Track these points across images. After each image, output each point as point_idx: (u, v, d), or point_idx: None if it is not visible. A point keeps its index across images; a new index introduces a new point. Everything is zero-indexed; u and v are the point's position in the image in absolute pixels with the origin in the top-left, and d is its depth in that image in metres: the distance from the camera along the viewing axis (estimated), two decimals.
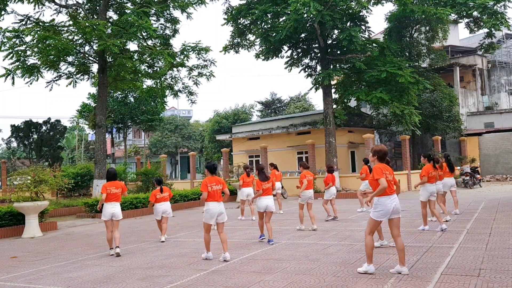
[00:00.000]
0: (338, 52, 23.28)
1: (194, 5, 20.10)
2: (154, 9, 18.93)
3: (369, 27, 23.47)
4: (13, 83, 18.48)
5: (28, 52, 18.06)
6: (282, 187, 22.29)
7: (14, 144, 33.57)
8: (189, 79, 21.89)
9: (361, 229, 9.94)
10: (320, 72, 23.38)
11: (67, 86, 20.88)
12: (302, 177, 10.36)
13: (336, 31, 22.80)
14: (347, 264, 6.54)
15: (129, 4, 20.38)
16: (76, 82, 20.81)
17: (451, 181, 11.59)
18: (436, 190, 9.94)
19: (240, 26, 24.10)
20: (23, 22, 18.31)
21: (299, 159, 28.73)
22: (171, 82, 22.24)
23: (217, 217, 7.31)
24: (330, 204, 12.32)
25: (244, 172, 13.49)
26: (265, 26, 22.62)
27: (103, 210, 8.46)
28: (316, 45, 23.55)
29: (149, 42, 20.22)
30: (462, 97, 31.29)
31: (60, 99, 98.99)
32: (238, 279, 6.01)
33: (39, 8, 18.68)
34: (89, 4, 20.23)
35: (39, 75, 19.11)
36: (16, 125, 29.72)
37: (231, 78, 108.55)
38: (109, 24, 18.22)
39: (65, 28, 18.22)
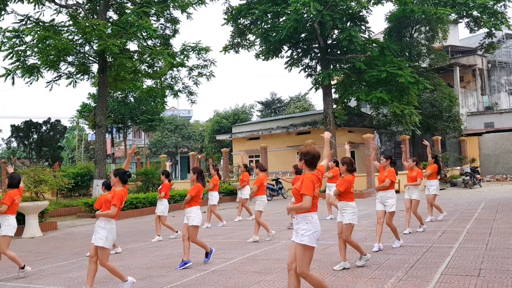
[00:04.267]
0: (338, 52, 23.27)
1: (194, 5, 20.13)
2: (154, 9, 18.93)
3: (369, 27, 23.51)
4: (13, 83, 18.54)
5: (28, 52, 18.08)
6: (282, 187, 22.38)
7: (14, 144, 33.55)
8: (189, 79, 21.93)
9: (361, 229, 9.94)
10: (320, 72, 23.36)
11: (67, 86, 20.90)
12: (261, 180, 9.44)
13: (336, 31, 22.79)
14: None
15: (129, 4, 20.39)
16: (76, 82, 20.83)
17: (437, 183, 10.75)
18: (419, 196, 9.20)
19: (240, 26, 24.08)
20: (23, 22, 18.32)
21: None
22: (171, 82, 22.26)
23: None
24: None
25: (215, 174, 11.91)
26: (265, 26, 22.62)
27: (9, 224, 6.80)
28: (316, 45, 23.54)
29: (149, 42, 20.23)
30: (462, 97, 31.28)
31: (60, 99, 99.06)
32: (238, 279, 6.01)
33: (39, 8, 18.68)
34: (89, 4, 20.23)
35: (39, 75, 19.13)
36: (16, 125, 29.70)
37: (231, 78, 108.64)
38: (109, 24, 18.22)
39: (65, 28, 18.22)
